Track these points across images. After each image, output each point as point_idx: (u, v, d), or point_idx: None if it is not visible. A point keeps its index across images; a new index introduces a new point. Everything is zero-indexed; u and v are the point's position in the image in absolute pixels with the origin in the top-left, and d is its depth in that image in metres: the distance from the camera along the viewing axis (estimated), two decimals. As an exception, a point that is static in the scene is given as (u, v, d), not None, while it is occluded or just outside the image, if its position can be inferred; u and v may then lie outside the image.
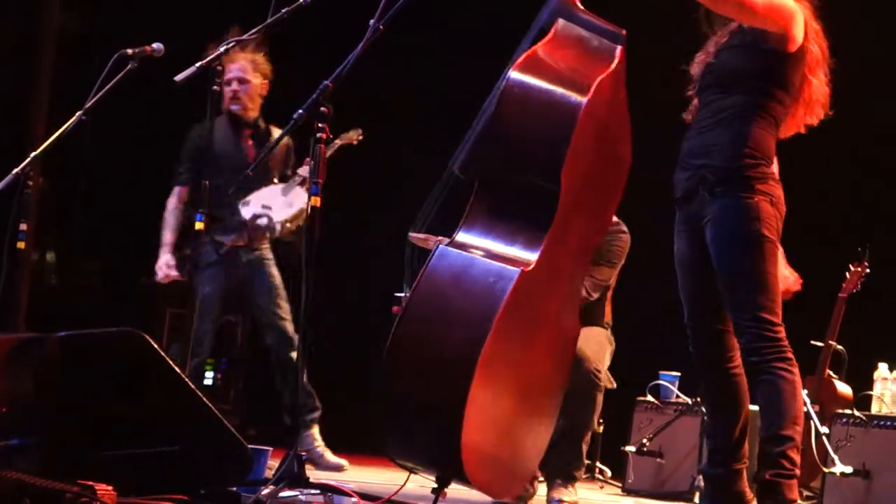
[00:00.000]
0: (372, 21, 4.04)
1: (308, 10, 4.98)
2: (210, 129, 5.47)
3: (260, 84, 6.64)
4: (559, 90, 4.01)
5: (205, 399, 3.93)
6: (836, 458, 5.89)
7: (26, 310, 7.06)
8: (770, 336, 4.22)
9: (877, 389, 6.31)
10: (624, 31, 4.24)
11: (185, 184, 6.61)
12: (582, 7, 4.23)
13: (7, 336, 4.35)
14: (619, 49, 4.19)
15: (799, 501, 4.33)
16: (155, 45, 5.61)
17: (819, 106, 4.46)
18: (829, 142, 5.38)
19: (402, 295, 5.43)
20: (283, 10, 4.99)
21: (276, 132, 6.53)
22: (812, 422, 6.09)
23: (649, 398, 6.92)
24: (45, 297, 8.61)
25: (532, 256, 3.96)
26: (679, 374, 6.88)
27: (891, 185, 7.65)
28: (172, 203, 6.62)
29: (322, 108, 3.95)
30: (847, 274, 6.56)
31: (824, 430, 6.08)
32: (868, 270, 6.52)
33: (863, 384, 6.50)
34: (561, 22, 4.18)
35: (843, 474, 5.83)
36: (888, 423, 5.89)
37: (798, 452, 4.26)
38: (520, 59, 4.06)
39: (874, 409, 6.21)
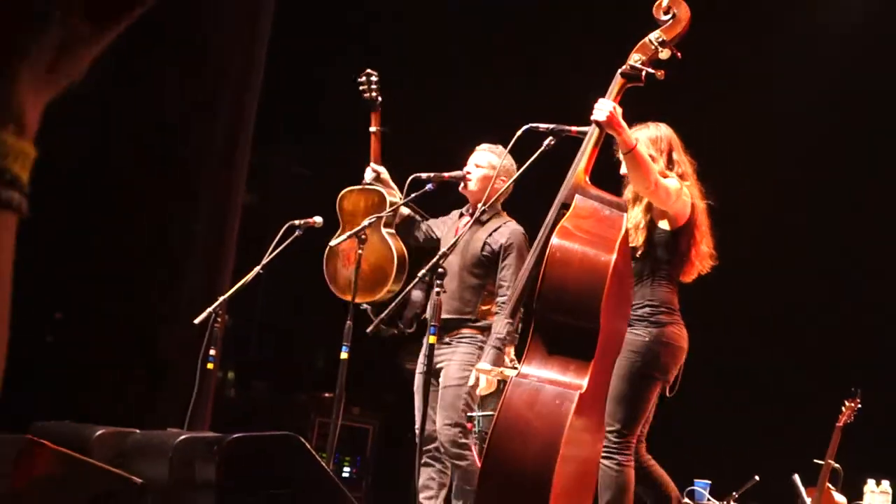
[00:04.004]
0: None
1: (431, 194, 6.04)
2: None
3: None
4: (592, 251, 4.46)
5: (346, 491, 4.45)
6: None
7: (211, 416, 7.36)
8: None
9: (866, 500, 7.16)
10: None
11: None
12: (591, 184, 4.71)
13: (195, 435, 4.86)
14: (624, 216, 4.71)
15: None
16: (317, 219, 6.46)
17: (704, 261, 5.25)
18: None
19: (475, 414, 6.09)
20: (412, 195, 6.04)
21: None
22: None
23: (686, 501, 6.69)
24: (225, 407, 9.04)
25: (583, 381, 4.33)
26: (710, 481, 7.05)
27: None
28: None
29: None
30: (843, 408, 7.08)
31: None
32: (860, 405, 7.03)
33: (856, 495, 7.24)
34: (578, 197, 4.63)
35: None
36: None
37: None
38: (557, 230, 4.50)
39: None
